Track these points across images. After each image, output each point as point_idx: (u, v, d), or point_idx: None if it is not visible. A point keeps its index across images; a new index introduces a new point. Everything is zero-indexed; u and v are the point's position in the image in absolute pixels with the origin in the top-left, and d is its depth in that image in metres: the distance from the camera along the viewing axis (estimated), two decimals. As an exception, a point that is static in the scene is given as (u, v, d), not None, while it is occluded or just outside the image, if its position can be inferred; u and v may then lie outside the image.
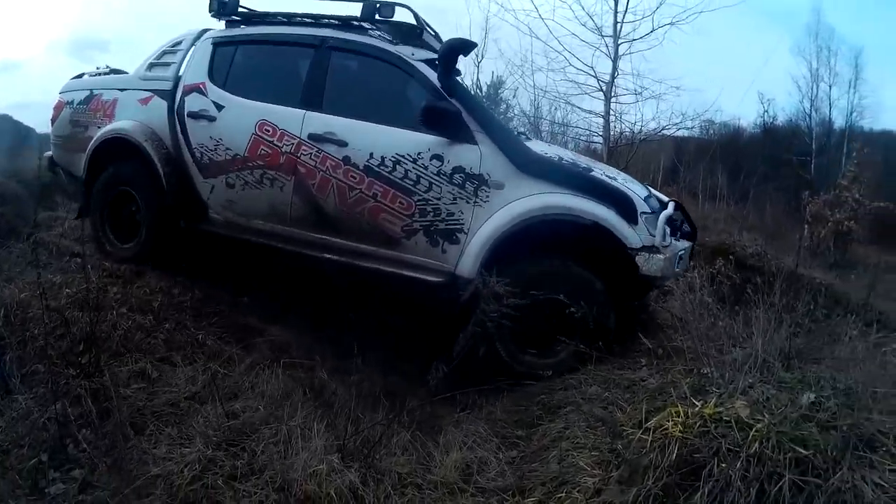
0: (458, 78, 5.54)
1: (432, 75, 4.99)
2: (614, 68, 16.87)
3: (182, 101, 5.59)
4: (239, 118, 5.32)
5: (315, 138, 5.03)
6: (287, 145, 5.10)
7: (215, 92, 5.49)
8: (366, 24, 5.35)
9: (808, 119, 34.78)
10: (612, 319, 4.67)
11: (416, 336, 5.13)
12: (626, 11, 16.83)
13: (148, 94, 5.84)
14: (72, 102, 6.32)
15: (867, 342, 3.87)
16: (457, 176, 4.77)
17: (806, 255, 11.84)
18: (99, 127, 6.00)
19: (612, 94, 16.68)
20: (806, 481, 2.62)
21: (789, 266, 7.09)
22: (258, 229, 5.37)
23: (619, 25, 17.01)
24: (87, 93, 6.24)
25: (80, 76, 6.73)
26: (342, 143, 4.94)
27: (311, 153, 5.03)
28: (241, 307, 5.28)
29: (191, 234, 5.63)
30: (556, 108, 19.01)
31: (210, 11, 5.87)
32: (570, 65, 16.81)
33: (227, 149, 5.33)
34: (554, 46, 16.68)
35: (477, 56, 19.99)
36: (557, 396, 4.24)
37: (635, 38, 16.90)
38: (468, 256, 4.75)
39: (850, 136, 32.00)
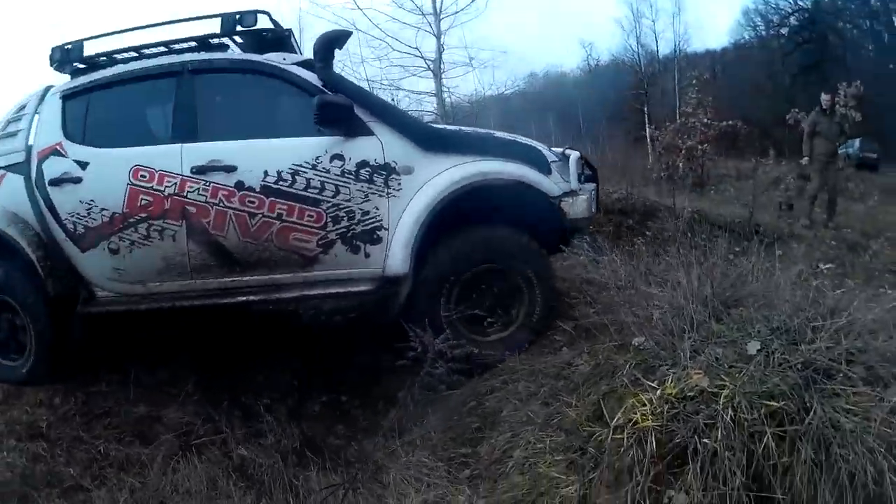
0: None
1: (311, 76, 4.71)
2: (439, 45, 17.06)
3: (39, 169, 4.91)
4: (108, 171, 4.75)
5: (199, 170, 4.58)
6: (169, 186, 4.60)
7: (75, 149, 4.85)
8: (225, 40, 5.06)
9: (636, 56, 36.96)
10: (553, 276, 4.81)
11: (312, 371, 5.12)
12: None
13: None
14: None
15: (769, 266, 4.05)
16: (363, 171, 4.53)
17: (665, 185, 12.58)
18: None
19: (441, 70, 16.90)
20: (785, 430, 2.69)
21: (659, 202, 7.52)
22: (157, 293, 4.81)
23: (439, 1, 17.58)
24: None
25: None
26: (231, 169, 4.54)
27: (198, 188, 4.57)
28: (129, 397, 4.81)
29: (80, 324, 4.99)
30: (390, 97, 19.19)
31: (52, 64, 5.21)
32: (394, 49, 16.99)
33: (103, 209, 4.71)
34: (375, 35, 16.81)
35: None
36: (489, 403, 4.14)
37: (457, 10, 17.63)
38: (396, 252, 4.55)
39: (679, 63, 34.27)
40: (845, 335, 3.09)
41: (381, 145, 4.55)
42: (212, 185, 4.55)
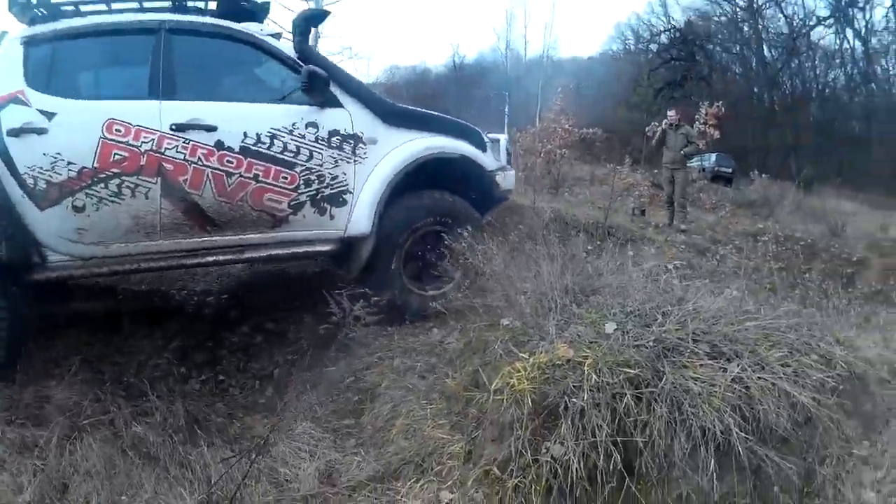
0: None
1: (286, 48, 4.97)
2: (316, 33, 16.91)
3: None
4: (79, 123, 4.51)
5: (179, 128, 4.60)
6: (146, 142, 4.54)
7: (39, 98, 4.51)
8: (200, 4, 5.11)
9: (504, 58, 37.59)
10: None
11: (189, 349, 5.24)
12: None
13: None
14: None
15: (622, 263, 4.65)
16: (334, 139, 4.89)
17: (522, 185, 13.04)
18: None
19: None
20: (641, 393, 3.12)
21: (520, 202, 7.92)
22: (120, 255, 4.65)
23: None
24: None
25: None
26: (211, 128, 4.64)
27: (176, 146, 4.58)
28: (14, 378, 4.57)
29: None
30: None
31: (11, 8, 4.79)
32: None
33: (70, 163, 4.46)
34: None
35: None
36: (368, 378, 4.41)
37: (330, 2, 17.78)
38: (360, 214, 4.95)
39: (545, 68, 35.08)
40: (691, 319, 3.64)
41: (349, 116, 4.96)
42: (191, 143, 4.61)
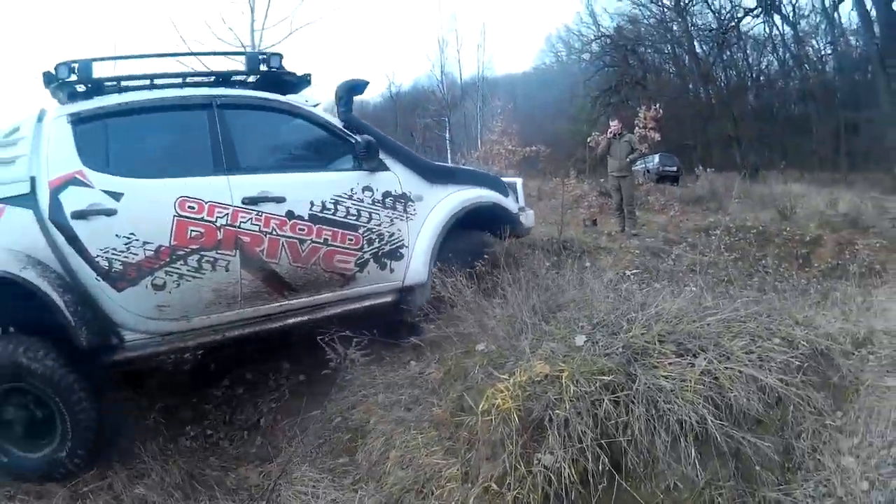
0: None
1: (331, 118, 5.28)
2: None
3: (54, 201, 4.41)
4: (150, 202, 4.56)
5: (251, 201, 4.77)
6: (221, 217, 4.67)
7: (102, 179, 4.49)
8: (242, 78, 5.33)
9: (440, 83, 37.68)
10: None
11: (175, 407, 5.30)
12: (265, 18, 17.47)
13: None
14: None
15: (583, 276, 4.95)
16: (388, 200, 5.23)
17: None
18: None
19: None
20: (618, 397, 3.32)
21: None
22: (202, 327, 4.69)
23: (259, 34, 17.56)
24: None
25: None
26: (280, 199, 4.85)
27: (251, 218, 4.75)
28: None
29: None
30: None
31: (49, 83, 4.80)
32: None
33: (146, 242, 4.47)
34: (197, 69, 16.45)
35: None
36: (355, 416, 4.49)
37: (274, 43, 17.64)
38: (416, 265, 5.33)
39: (481, 90, 36.19)
40: (655, 322, 3.85)
41: (397, 178, 5.34)
42: (264, 214, 4.78)
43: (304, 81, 5.56)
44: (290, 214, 4.86)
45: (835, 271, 9.28)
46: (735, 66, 37.61)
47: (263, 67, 5.30)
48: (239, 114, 5.04)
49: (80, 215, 4.41)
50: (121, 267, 4.45)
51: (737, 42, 36.58)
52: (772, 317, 4.13)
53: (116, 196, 4.49)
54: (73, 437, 4.24)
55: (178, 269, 4.56)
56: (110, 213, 4.46)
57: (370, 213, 5.16)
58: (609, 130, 13.22)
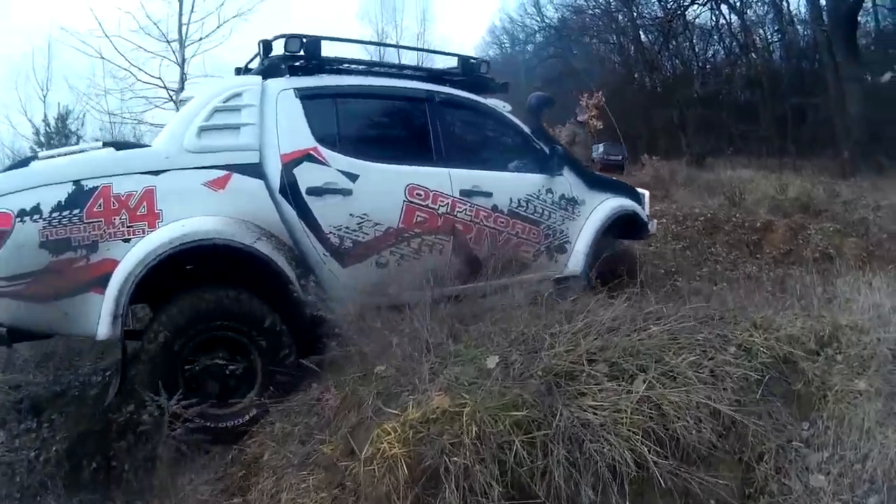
0: None
1: (523, 125, 5.94)
2: (182, 74, 16.56)
3: (288, 175, 4.60)
4: (383, 186, 4.92)
5: (466, 194, 5.30)
6: (442, 206, 5.15)
7: (337, 159, 4.78)
8: (452, 77, 5.80)
9: None
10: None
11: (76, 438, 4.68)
12: (191, 11, 17.48)
13: (220, 172, 4.40)
14: (33, 211, 3.94)
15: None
16: (562, 202, 5.96)
17: None
18: (126, 239, 4.09)
19: (181, 101, 16.35)
20: (534, 437, 2.83)
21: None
22: (401, 304, 4.53)
23: (185, 28, 17.53)
24: (71, 187, 4.02)
25: (23, 163, 4.68)
26: (488, 195, 5.43)
27: (465, 209, 5.29)
28: None
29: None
30: (133, 131, 18.38)
31: (269, 54, 4.98)
32: (139, 80, 16.38)
33: (377, 224, 4.84)
34: (120, 64, 16.18)
35: (43, 89, 19.74)
36: (250, 448, 3.99)
37: (202, 36, 17.70)
38: (576, 259, 6.05)
39: None
40: (584, 336, 3.42)
41: (569, 184, 6.04)
42: (476, 207, 5.37)
43: (503, 88, 6.20)
44: (494, 208, 5.48)
45: (788, 257, 9.68)
46: (681, 55, 38.02)
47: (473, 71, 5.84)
48: (454, 111, 5.60)
49: (316, 192, 4.67)
50: (350, 245, 4.77)
51: (683, 31, 37.00)
52: (725, 319, 3.83)
53: (352, 177, 4.80)
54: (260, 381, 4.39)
55: (401, 249, 4.98)
56: (346, 192, 4.76)
57: (550, 212, 5.87)
58: (577, 116, 13.51)
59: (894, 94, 24.60)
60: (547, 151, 5.87)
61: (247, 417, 4.22)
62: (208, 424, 4.15)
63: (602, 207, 6.26)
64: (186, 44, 17.38)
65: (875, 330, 3.99)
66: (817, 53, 29.65)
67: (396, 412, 3.04)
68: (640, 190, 7.06)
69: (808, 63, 32.78)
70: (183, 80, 17.09)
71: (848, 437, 3.20)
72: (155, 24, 17.07)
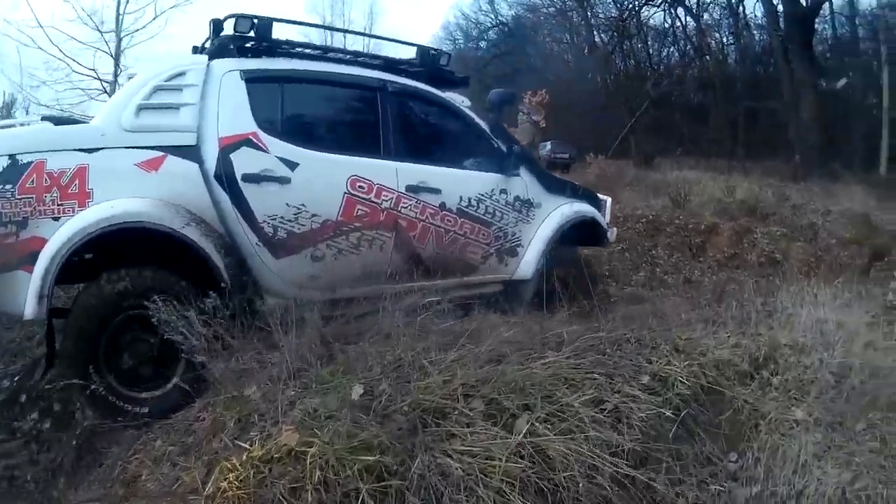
0: None
1: (481, 122, 5.68)
2: (117, 65, 16.40)
3: (224, 159, 4.36)
4: (324, 177, 4.69)
5: (412, 189, 5.05)
6: (386, 200, 4.92)
7: (277, 145, 4.53)
8: (409, 68, 5.50)
9: None
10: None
11: None
12: (127, 2, 17.44)
13: (155, 153, 4.20)
14: None
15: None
16: (517, 203, 5.70)
17: None
18: (56, 218, 3.92)
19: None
20: (387, 486, 2.46)
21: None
22: (337, 300, 4.60)
23: (121, 18, 17.42)
24: (6, 161, 3.87)
25: None
26: (436, 192, 5.17)
27: (410, 205, 5.04)
28: None
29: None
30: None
31: (219, 34, 4.74)
32: (74, 71, 16.15)
33: (314, 215, 4.60)
34: (55, 54, 15.89)
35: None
36: (131, 466, 3.59)
37: (138, 28, 17.62)
38: (527, 263, 5.80)
39: None
40: (462, 366, 3.03)
41: (526, 185, 5.79)
42: (422, 203, 5.10)
43: (463, 83, 5.96)
44: (442, 206, 5.23)
45: (732, 261, 9.43)
46: (634, 55, 38.13)
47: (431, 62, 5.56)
48: (407, 102, 5.33)
49: (252, 179, 4.44)
50: (284, 235, 4.54)
51: (637, 33, 37.46)
52: (643, 343, 3.49)
53: (291, 165, 4.56)
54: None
55: (339, 243, 4.74)
56: (284, 181, 4.52)
57: (502, 213, 5.60)
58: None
59: (848, 101, 25.59)
60: (504, 150, 5.65)
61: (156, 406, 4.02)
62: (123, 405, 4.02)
63: (559, 212, 6.02)
64: (122, 34, 16.83)
65: (817, 350, 3.70)
66: (772, 58, 30.29)
67: (246, 446, 2.69)
68: (601, 196, 6.87)
69: (762, 67, 33.52)
70: (117, 71, 16.78)
71: (781, 470, 2.92)
72: (89, 15, 17.04)
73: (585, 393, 2.81)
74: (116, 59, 17.10)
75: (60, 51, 16.64)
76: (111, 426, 4.02)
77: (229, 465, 2.58)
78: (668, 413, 2.87)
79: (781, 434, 3.09)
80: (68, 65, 16.91)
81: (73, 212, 3.95)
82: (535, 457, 2.48)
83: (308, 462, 2.45)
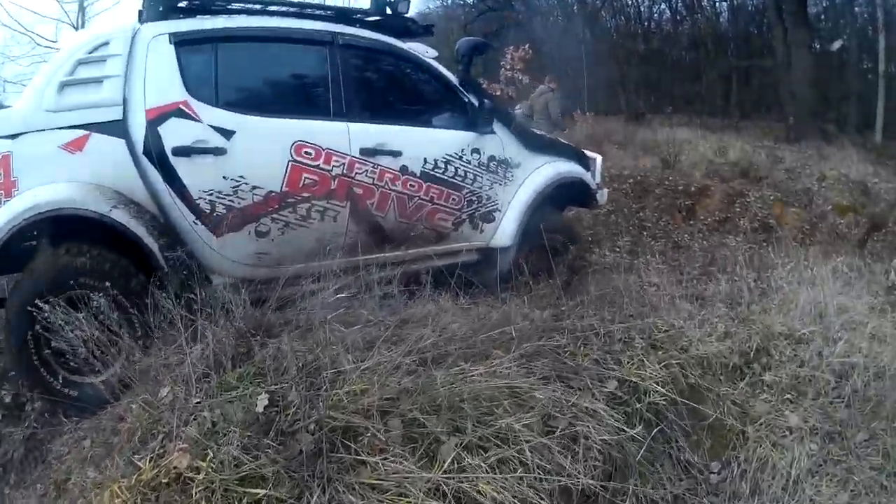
0: None
1: (449, 74, 5.17)
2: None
3: (152, 133, 4.00)
4: (263, 144, 4.25)
5: (367, 153, 4.60)
6: (337, 166, 4.47)
7: (210, 113, 4.12)
8: (363, 18, 5.04)
9: None
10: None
11: None
12: None
13: (78, 132, 3.89)
14: None
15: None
16: (491, 164, 5.24)
17: None
18: None
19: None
20: None
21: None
22: (291, 276, 4.18)
23: None
24: None
25: None
26: (397, 154, 4.73)
27: (366, 170, 4.60)
28: None
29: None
30: None
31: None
32: (38, 45, 15.91)
33: (255, 187, 4.21)
34: (17, 29, 15.64)
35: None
36: (65, 465, 3.26)
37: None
38: (505, 229, 5.39)
39: None
40: (380, 374, 2.57)
41: (502, 143, 5.31)
42: (379, 168, 4.64)
43: (427, 31, 5.49)
44: (403, 169, 4.78)
45: (723, 225, 8.97)
46: (624, 11, 37.46)
47: (388, 10, 5.03)
48: (361, 56, 4.86)
49: (183, 152, 4.08)
50: (224, 211, 4.20)
51: None
52: (613, 336, 3.04)
53: (227, 134, 4.17)
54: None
55: (285, 216, 4.38)
56: (218, 152, 4.15)
57: (474, 175, 5.15)
58: (548, 84, 12.77)
59: (844, 64, 25.01)
60: (476, 105, 5.13)
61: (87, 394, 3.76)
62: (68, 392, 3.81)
63: (541, 172, 5.57)
64: (85, 3, 16.58)
65: (816, 342, 3.32)
66: (765, 18, 29.54)
67: (141, 464, 2.35)
68: (590, 154, 6.43)
69: (755, 27, 32.70)
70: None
71: (770, 486, 2.65)
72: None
73: (534, 409, 2.36)
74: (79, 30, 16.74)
75: (21, 25, 16.66)
76: (54, 423, 3.83)
77: (117, 490, 2.26)
78: (638, 429, 2.48)
79: (772, 443, 2.81)
80: (32, 38, 16.87)
81: (0, 203, 3.79)
82: (459, 496, 2.06)
83: (194, 492, 2.11)
